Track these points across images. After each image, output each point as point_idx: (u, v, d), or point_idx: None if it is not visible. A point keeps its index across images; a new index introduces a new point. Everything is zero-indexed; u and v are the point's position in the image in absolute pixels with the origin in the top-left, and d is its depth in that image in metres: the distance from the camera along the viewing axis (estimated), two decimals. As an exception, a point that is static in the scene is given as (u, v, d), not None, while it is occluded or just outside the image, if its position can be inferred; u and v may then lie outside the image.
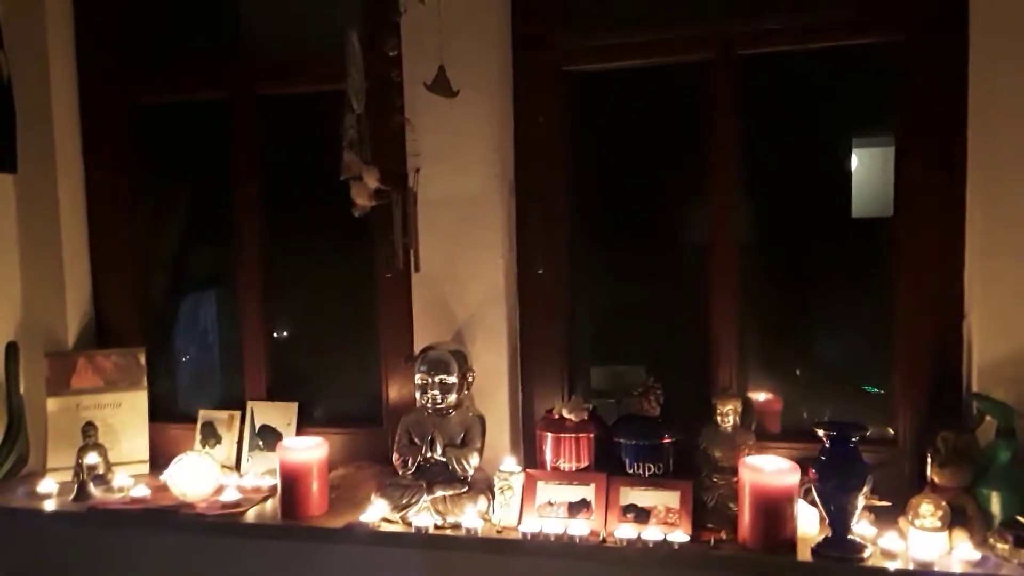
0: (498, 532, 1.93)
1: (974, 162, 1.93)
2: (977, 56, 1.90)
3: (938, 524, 1.76)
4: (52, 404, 2.44)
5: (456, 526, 1.94)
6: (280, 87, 2.44)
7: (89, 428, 2.36)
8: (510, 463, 2.01)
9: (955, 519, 1.78)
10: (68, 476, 2.34)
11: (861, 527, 1.81)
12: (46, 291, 2.49)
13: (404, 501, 1.99)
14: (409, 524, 1.96)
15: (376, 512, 1.99)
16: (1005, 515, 1.77)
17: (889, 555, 1.75)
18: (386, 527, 1.98)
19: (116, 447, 2.42)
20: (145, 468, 2.46)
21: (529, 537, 1.88)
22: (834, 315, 2.30)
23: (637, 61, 2.18)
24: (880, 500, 1.83)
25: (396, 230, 1.82)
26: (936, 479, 1.84)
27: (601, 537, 1.86)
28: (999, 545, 1.72)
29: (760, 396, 2.22)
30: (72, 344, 2.51)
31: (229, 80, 2.46)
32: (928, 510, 1.78)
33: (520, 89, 2.19)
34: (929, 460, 1.87)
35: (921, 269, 2.01)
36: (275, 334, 2.53)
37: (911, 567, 1.71)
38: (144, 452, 2.48)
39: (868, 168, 2.38)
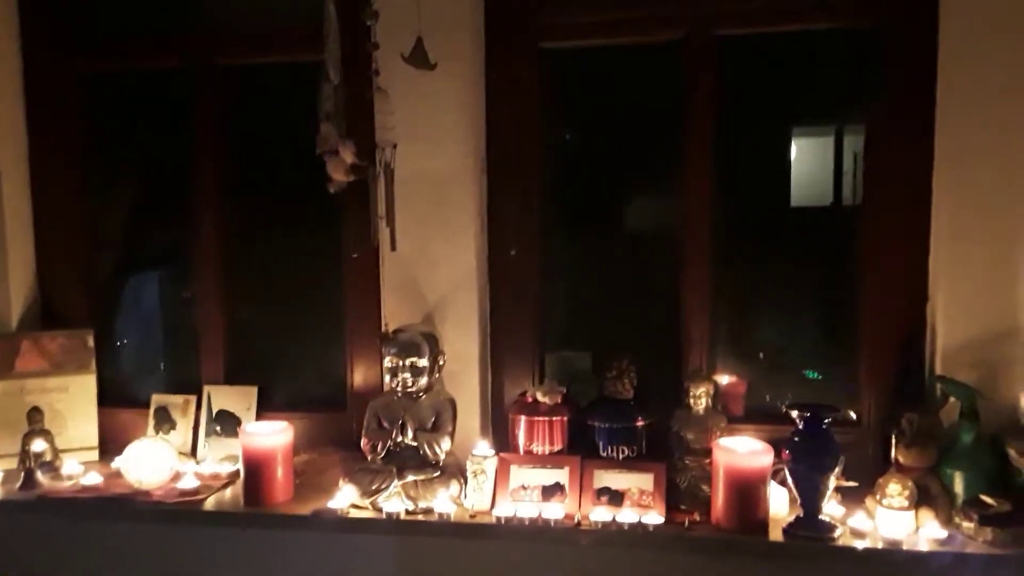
0: (471, 517, 1.90)
1: (942, 148, 1.96)
2: (947, 42, 1.93)
3: (905, 503, 1.80)
4: (-6, 388, 2.31)
5: (428, 511, 1.91)
6: (242, 57, 2.34)
7: (35, 413, 2.25)
8: (483, 447, 1.98)
9: (920, 499, 1.82)
10: (12, 464, 2.22)
11: (829, 507, 1.84)
12: (-13, 270, 2.35)
13: (374, 487, 1.94)
14: (379, 510, 1.92)
15: (344, 498, 1.94)
16: (968, 494, 1.81)
17: (858, 534, 1.78)
18: (355, 513, 1.93)
19: (64, 433, 2.31)
20: (95, 455, 2.36)
21: (503, 521, 1.85)
22: (801, 298, 2.33)
23: (613, 39, 2.15)
24: (848, 480, 1.85)
25: (373, 207, 1.76)
26: (901, 459, 1.88)
27: (576, 520, 1.85)
28: (964, 523, 1.76)
29: (725, 379, 2.23)
30: (16, 325, 2.39)
31: (187, 49, 2.35)
32: (895, 489, 1.81)
33: (494, 65, 2.15)
34: (894, 441, 1.91)
35: (887, 253, 2.04)
36: (233, 315, 2.44)
37: (880, 546, 1.74)
38: (93, 438, 2.37)
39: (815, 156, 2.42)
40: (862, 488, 1.89)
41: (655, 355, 2.19)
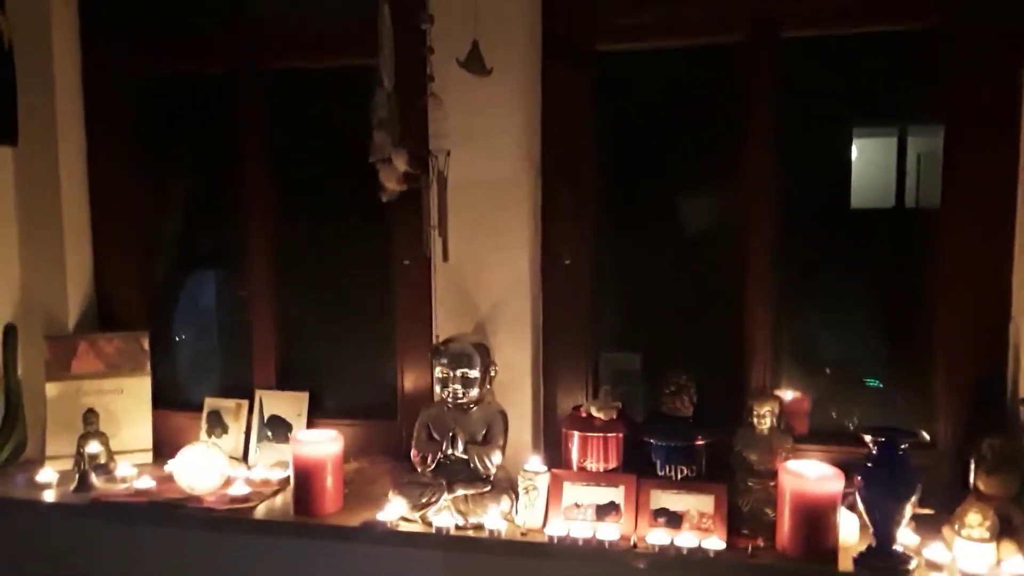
0: (523, 534, 1.84)
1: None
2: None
3: (986, 535, 1.69)
4: (51, 389, 2.33)
5: (478, 527, 1.86)
6: (291, 61, 2.32)
7: (91, 415, 2.27)
8: (535, 462, 1.92)
9: (1001, 530, 1.70)
10: (67, 464, 2.24)
11: (903, 536, 1.73)
12: (46, 271, 2.38)
13: (424, 500, 1.90)
14: (429, 524, 1.87)
15: (394, 510, 1.90)
16: (1055, 526, 1.69)
17: (935, 567, 1.68)
18: (405, 526, 1.89)
19: (118, 435, 2.32)
20: (148, 457, 2.36)
21: (556, 541, 1.79)
22: (870, 307, 2.20)
23: (673, 41, 2.07)
24: (924, 509, 1.74)
25: (425, 216, 1.71)
26: (982, 487, 1.76)
27: (632, 542, 1.78)
28: (1051, 558, 1.64)
29: (788, 395, 2.13)
30: (73, 327, 2.41)
31: (236, 53, 2.34)
32: (975, 520, 1.70)
33: (549, 69, 2.08)
34: (973, 467, 1.79)
35: (967, 264, 1.92)
36: (284, 320, 2.42)
37: (958, 580, 1.63)
38: (147, 441, 2.38)
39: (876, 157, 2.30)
40: (937, 515, 1.77)
41: (712, 365, 2.10)
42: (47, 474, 2.21)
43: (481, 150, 2.01)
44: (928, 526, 1.77)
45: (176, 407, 2.45)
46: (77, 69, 2.38)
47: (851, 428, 1.78)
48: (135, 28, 2.39)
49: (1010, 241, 1.89)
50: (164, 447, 2.36)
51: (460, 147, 1.96)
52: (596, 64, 2.08)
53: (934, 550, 1.70)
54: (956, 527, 1.72)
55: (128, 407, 2.38)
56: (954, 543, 1.71)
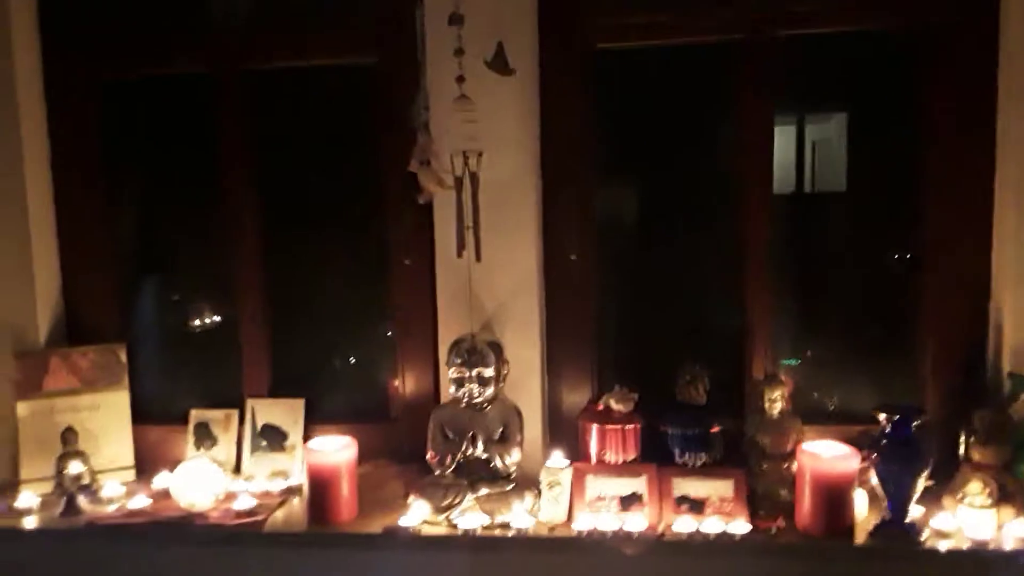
0: (550, 530, 1.85)
1: (1003, 144, 1.96)
2: (1007, 39, 1.92)
3: (988, 502, 1.79)
4: (23, 408, 2.20)
5: (504, 526, 1.85)
6: (272, 60, 2.24)
7: (69, 434, 2.16)
8: (558, 457, 1.93)
9: (999, 496, 1.81)
10: (46, 487, 2.12)
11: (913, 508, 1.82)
12: (12, 285, 2.23)
13: (446, 502, 1.88)
14: (453, 526, 1.86)
15: (416, 514, 1.88)
16: (1047, 489, 1.82)
17: (943, 535, 1.77)
18: (429, 530, 1.86)
19: (97, 453, 2.20)
20: (131, 475, 2.25)
21: (585, 535, 1.81)
22: (861, 296, 2.31)
23: (669, 40, 2.11)
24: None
25: (460, 216, 1.69)
26: (977, 457, 1.87)
27: (660, 531, 1.81)
28: (1048, 519, 1.76)
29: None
30: (43, 342, 2.27)
31: (213, 53, 2.25)
32: (977, 488, 1.81)
33: (549, 67, 2.09)
34: (964, 438, 1.90)
35: (950, 249, 2.04)
36: (274, 328, 2.35)
37: (967, 546, 1.73)
38: (128, 457, 2.27)
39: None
40: (934, 486, 1.88)
41: (716, 354, 2.15)
42: (26, 498, 2.07)
43: (485, 149, 2.00)
44: (926, 496, 1.87)
45: (155, 421, 2.34)
46: (39, 72, 2.24)
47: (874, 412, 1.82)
48: (99, 28, 2.26)
49: (988, 226, 2.01)
50: (146, 463, 2.26)
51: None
52: (597, 61, 2.10)
53: (941, 519, 1.80)
54: (959, 497, 1.83)
55: (106, 423, 2.26)
56: (958, 512, 1.82)
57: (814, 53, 2.18)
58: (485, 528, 1.85)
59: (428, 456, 1.97)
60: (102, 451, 2.23)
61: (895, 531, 1.76)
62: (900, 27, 2.10)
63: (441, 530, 1.86)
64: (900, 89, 2.13)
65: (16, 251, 2.22)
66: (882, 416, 1.77)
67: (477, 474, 1.92)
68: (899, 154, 2.13)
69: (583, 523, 1.83)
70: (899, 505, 1.76)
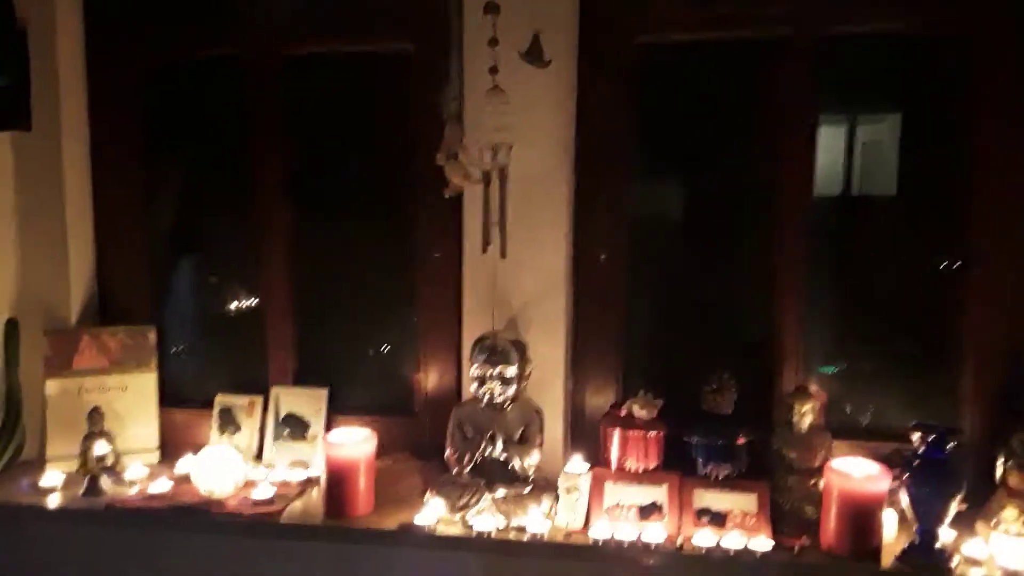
0: (566, 536, 1.82)
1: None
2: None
3: (1022, 530, 1.72)
4: (52, 386, 2.22)
5: (520, 529, 1.83)
6: (308, 46, 2.23)
7: (96, 414, 2.16)
8: (577, 462, 1.90)
9: (1035, 525, 1.74)
10: (70, 466, 2.15)
11: (943, 532, 1.76)
12: (47, 263, 2.26)
13: (463, 501, 1.86)
14: (469, 526, 1.84)
15: (432, 512, 1.86)
16: (1087, 520, 1.74)
17: (973, 562, 1.71)
18: (444, 529, 1.85)
19: (122, 434, 2.22)
20: (155, 457, 2.28)
21: (602, 543, 1.77)
22: (898, 308, 2.22)
23: (711, 34, 2.05)
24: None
25: (486, 211, 1.66)
26: (1013, 482, 1.80)
27: (678, 544, 1.77)
28: (1087, 552, 1.68)
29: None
30: (75, 321, 2.29)
31: (252, 39, 2.24)
32: (1012, 515, 1.74)
33: (586, 61, 2.04)
34: (1001, 462, 1.83)
35: (996, 261, 1.95)
36: (301, 315, 2.34)
37: (998, 575, 1.67)
38: (154, 440, 2.29)
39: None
40: (967, 511, 1.81)
41: (744, 364, 2.09)
42: (51, 477, 2.10)
43: (516, 141, 1.96)
44: (958, 520, 1.80)
45: (181, 404, 2.36)
46: (82, 55, 2.26)
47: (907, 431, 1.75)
48: (142, 13, 2.27)
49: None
50: (171, 446, 2.28)
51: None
52: (634, 55, 2.04)
53: (972, 546, 1.73)
54: (992, 523, 1.76)
55: (133, 405, 2.28)
56: (991, 538, 1.75)
57: (866, 53, 2.10)
58: (500, 530, 1.82)
59: (447, 454, 1.95)
60: (128, 432, 2.25)
61: (924, 556, 1.70)
62: (952, 26, 2.00)
63: (456, 530, 1.84)
64: (954, 92, 2.04)
65: (51, 229, 2.25)
66: (916, 435, 1.70)
67: (495, 475, 1.90)
68: (950, 159, 2.03)
69: (600, 531, 1.80)
70: (929, 529, 1.70)
